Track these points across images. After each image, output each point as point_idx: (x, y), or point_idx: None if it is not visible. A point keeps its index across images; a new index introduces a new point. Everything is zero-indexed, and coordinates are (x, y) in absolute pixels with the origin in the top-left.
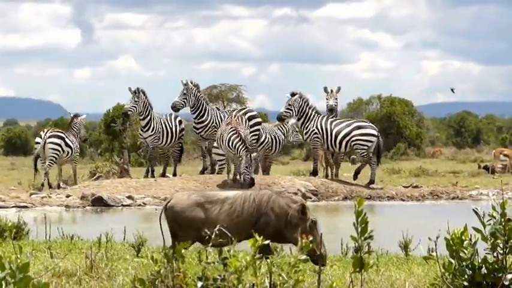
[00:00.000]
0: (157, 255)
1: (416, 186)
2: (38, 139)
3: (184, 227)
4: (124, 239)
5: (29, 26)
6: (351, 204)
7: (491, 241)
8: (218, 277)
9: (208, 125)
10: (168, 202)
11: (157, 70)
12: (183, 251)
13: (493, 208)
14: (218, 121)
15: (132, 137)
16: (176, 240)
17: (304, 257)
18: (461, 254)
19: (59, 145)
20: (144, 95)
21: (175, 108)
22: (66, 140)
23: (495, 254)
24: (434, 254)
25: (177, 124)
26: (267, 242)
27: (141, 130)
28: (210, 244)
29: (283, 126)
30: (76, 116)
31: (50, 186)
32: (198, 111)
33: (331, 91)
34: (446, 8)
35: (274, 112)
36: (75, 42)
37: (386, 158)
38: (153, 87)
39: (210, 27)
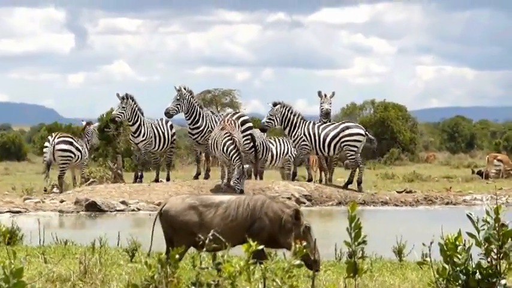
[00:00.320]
0: (151, 261)
1: (410, 192)
2: (46, 144)
3: (179, 231)
4: (118, 244)
5: (23, 31)
6: (345, 209)
7: (485, 246)
8: (212, 282)
9: (204, 130)
10: (163, 206)
11: (151, 75)
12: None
13: (487, 213)
14: (213, 126)
15: (125, 142)
16: (171, 246)
17: (298, 262)
18: (455, 259)
19: (69, 150)
20: (133, 100)
21: (168, 114)
22: (76, 144)
23: (489, 259)
24: (428, 259)
25: (169, 129)
26: (260, 247)
27: (132, 136)
28: (204, 249)
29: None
30: (89, 123)
31: (61, 192)
32: (192, 117)
33: (325, 96)
34: (440, 13)
35: None
36: (69, 47)
37: (380, 163)
38: (147, 92)
39: (204, 32)
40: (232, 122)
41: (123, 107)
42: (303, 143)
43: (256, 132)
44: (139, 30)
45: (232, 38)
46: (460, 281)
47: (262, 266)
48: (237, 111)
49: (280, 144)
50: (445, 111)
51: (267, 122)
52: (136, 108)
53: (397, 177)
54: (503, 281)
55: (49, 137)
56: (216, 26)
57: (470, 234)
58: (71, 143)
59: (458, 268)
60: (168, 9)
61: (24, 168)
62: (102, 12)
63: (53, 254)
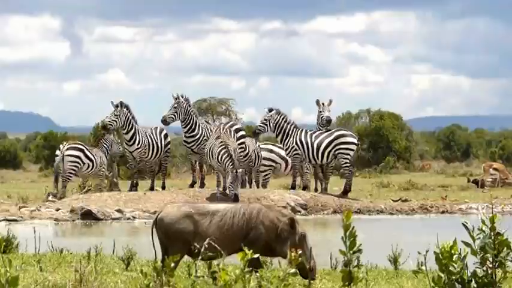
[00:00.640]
0: (146, 269)
1: (405, 200)
2: (57, 152)
3: (173, 239)
4: (113, 252)
5: (18, 39)
6: (340, 218)
7: (481, 255)
8: None
9: (200, 139)
10: (159, 214)
11: (146, 83)
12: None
13: (483, 222)
14: (208, 135)
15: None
16: (166, 254)
17: (293, 270)
18: (451, 268)
19: (78, 157)
20: (127, 109)
21: (165, 122)
22: (86, 152)
23: (485, 268)
24: (423, 268)
25: (163, 138)
26: (256, 255)
27: (126, 144)
28: (200, 258)
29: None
30: (106, 130)
31: (61, 198)
32: (188, 125)
33: (323, 104)
34: (436, 22)
35: None
36: (65, 55)
37: (376, 172)
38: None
39: (199, 41)
40: (228, 131)
41: (116, 115)
42: (295, 152)
43: (247, 140)
44: (135, 39)
45: (228, 47)
46: None
47: (257, 274)
48: (234, 119)
49: None
50: (440, 120)
51: (259, 126)
52: (130, 117)
53: (393, 186)
54: None
55: (60, 145)
56: (212, 34)
57: (466, 243)
58: (80, 150)
59: (453, 277)
60: (164, 18)
61: (20, 177)
62: (97, 20)
63: (48, 262)
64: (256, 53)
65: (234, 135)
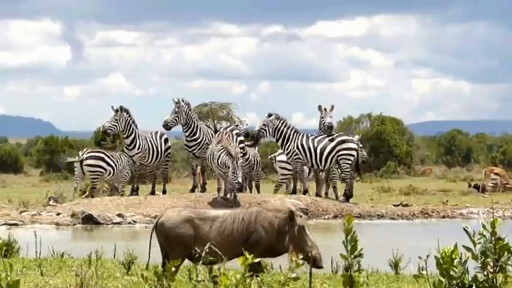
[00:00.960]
0: (147, 273)
1: (406, 205)
2: (76, 158)
3: (174, 243)
4: (114, 257)
5: (19, 44)
6: (341, 222)
7: (482, 259)
8: None
9: (201, 143)
10: (159, 219)
11: (147, 88)
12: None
13: (483, 227)
14: (210, 139)
15: None
16: (167, 258)
17: (294, 275)
18: (452, 273)
19: (98, 166)
20: (127, 113)
21: (167, 126)
22: (107, 159)
23: (485, 272)
24: (424, 272)
25: (163, 142)
26: (257, 260)
27: (126, 148)
28: (200, 262)
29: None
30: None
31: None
32: (190, 130)
33: (325, 110)
34: (436, 26)
35: None
36: (65, 59)
37: (377, 177)
38: (143, 105)
39: (200, 45)
40: (229, 135)
41: (116, 119)
42: (296, 156)
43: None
44: (136, 43)
45: (229, 51)
46: None
47: (258, 278)
48: (238, 122)
49: None
50: (441, 124)
51: (258, 131)
52: (130, 121)
53: (394, 190)
54: None
55: (79, 152)
56: (213, 38)
57: (467, 248)
58: (101, 159)
59: (454, 281)
60: (164, 22)
61: (21, 181)
62: (98, 25)
63: (49, 267)
64: (257, 58)
65: (236, 139)
